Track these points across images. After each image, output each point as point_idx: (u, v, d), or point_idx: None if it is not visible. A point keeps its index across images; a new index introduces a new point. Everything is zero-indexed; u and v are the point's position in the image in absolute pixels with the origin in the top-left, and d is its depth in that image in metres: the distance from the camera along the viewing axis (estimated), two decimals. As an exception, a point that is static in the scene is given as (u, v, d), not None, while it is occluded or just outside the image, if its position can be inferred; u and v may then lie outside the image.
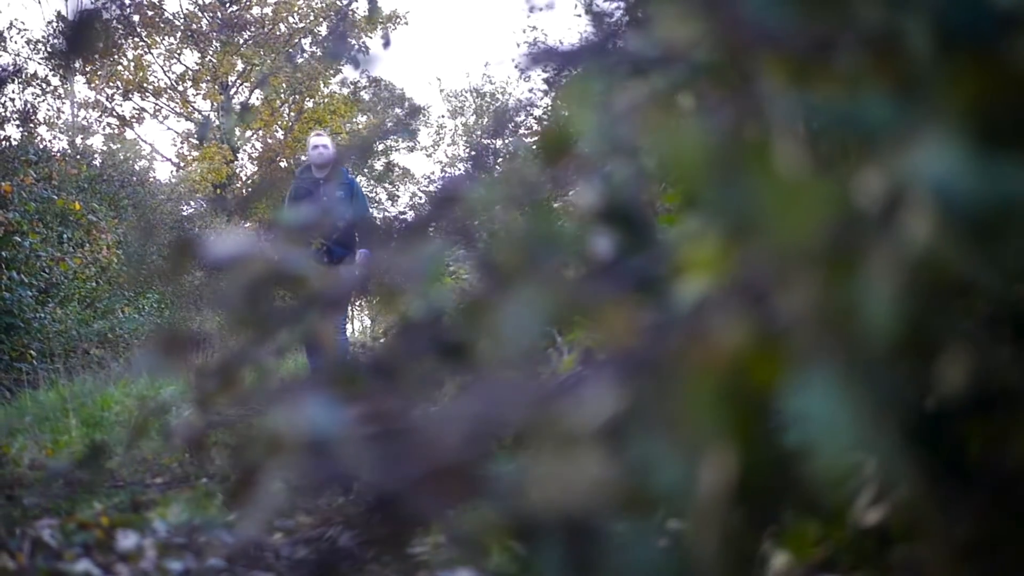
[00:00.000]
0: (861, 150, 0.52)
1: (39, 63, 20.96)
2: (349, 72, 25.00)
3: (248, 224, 20.58)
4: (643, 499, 0.43)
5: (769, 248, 0.46)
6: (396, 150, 31.70)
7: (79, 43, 0.68)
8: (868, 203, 0.50)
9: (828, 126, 0.54)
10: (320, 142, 7.21)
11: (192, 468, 3.55)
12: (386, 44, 3.22)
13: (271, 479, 0.70)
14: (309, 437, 0.67)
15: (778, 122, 0.50)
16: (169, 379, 6.01)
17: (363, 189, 7.71)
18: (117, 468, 3.46)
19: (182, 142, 22.43)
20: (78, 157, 12.11)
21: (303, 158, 7.65)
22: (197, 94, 22.34)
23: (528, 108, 1.31)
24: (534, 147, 0.95)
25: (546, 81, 8.15)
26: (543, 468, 0.40)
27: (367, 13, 3.03)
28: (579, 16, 14.77)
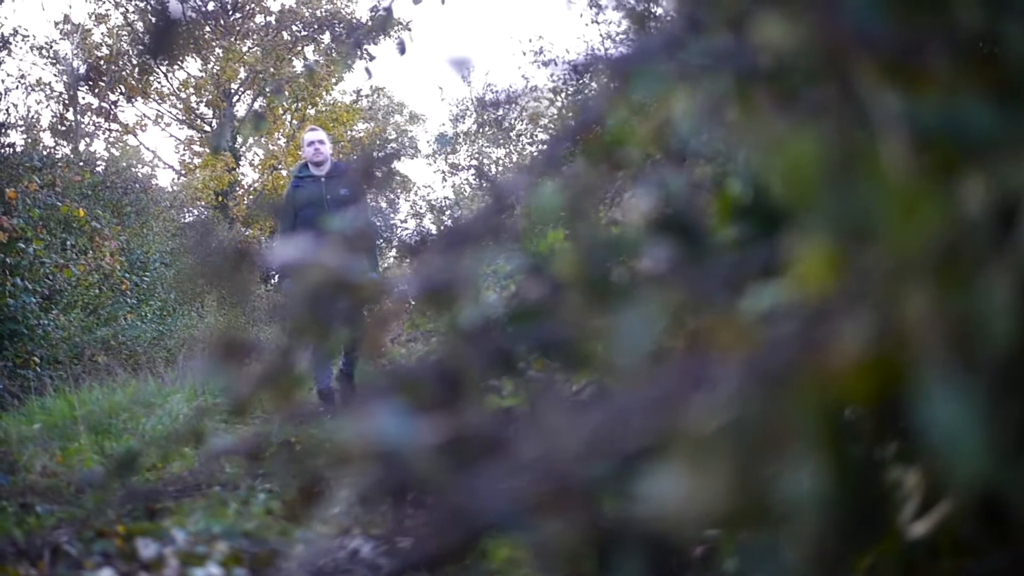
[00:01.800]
0: (965, 156, 0.51)
1: (43, 68, 21.00)
2: (355, 80, 25.03)
3: (249, 232, 20.60)
4: (763, 511, 0.42)
5: (884, 255, 0.45)
6: (397, 158, 31.64)
7: (162, 44, 0.67)
8: (979, 210, 0.49)
9: (929, 132, 0.53)
10: (315, 137, 6.66)
11: (203, 476, 3.53)
12: (401, 51, 3.21)
13: (339, 490, 0.69)
14: (382, 447, 0.66)
15: (883, 127, 0.50)
16: (177, 387, 5.99)
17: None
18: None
19: (184, 149, 22.46)
20: (81, 164, 12.10)
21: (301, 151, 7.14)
22: (200, 101, 22.37)
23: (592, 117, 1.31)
24: (582, 153, 0.94)
25: (553, 90, 8.16)
26: (666, 478, 0.39)
27: (380, 22, 3.00)
28: (588, 25, 14.83)
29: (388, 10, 3.14)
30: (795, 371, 0.42)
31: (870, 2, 0.53)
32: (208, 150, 21.61)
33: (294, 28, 22.18)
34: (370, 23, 3.05)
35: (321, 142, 6.62)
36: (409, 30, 19.64)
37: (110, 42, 21.04)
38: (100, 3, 21.55)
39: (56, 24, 20.90)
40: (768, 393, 0.42)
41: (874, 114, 0.50)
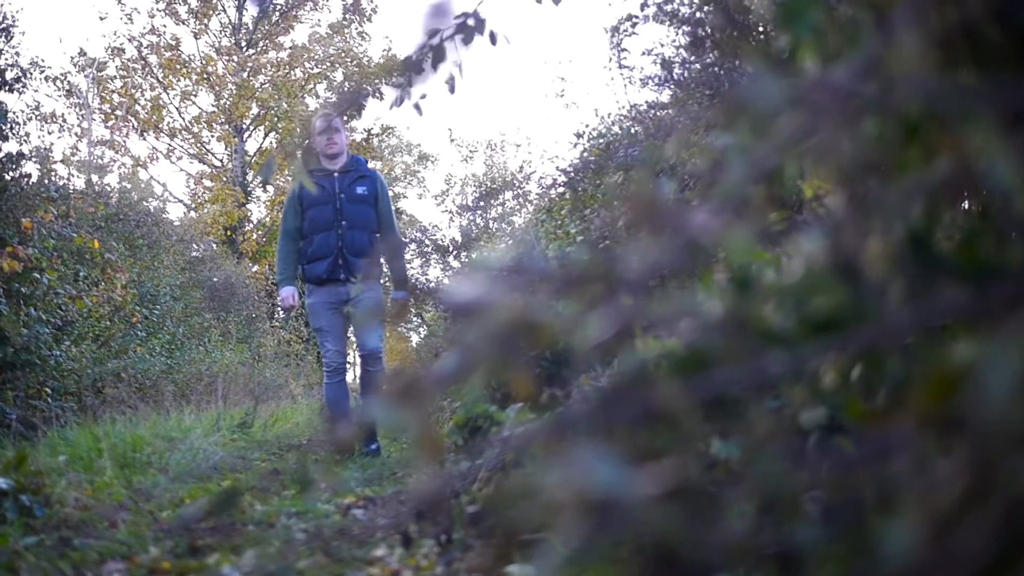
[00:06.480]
0: None
1: (56, 100, 21.12)
2: (366, 119, 25.15)
3: (257, 268, 20.57)
4: None
5: None
6: (404, 196, 31.77)
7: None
8: None
9: None
10: (327, 125, 5.46)
11: (235, 513, 3.47)
12: (451, 89, 3.20)
13: (552, 540, 0.65)
14: (598, 497, 0.63)
15: None
16: (196, 421, 5.94)
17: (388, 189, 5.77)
18: (158, 512, 3.39)
19: (195, 184, 22.48)
20: (95, 196, 12.12)
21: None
22: (211, 136, 22.44)
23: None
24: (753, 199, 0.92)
25: (577, 134, 8.17)
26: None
27: (434, 59, 2.97)
28: (611, 70, 14.94)
29: (440, 48, 3.14)
30: None
31: None
32: (218, 184, 21.63)
33: (307, 65, 22.30)
34: (422, 60, 3.05)
35: (336, 130, 5.49)
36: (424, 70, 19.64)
37: (124, 75, 21.16)
38: (116, 37, 21.71)
39: (72, 59, 21.03)
40: None
41: None
